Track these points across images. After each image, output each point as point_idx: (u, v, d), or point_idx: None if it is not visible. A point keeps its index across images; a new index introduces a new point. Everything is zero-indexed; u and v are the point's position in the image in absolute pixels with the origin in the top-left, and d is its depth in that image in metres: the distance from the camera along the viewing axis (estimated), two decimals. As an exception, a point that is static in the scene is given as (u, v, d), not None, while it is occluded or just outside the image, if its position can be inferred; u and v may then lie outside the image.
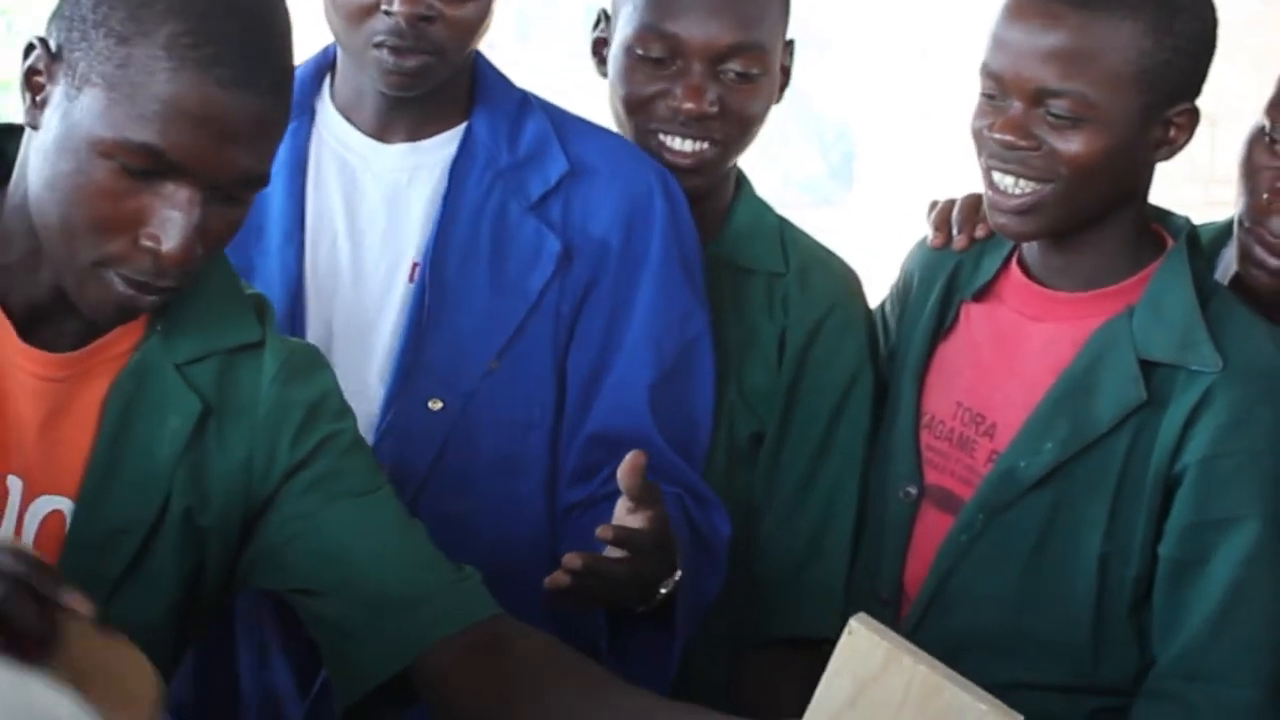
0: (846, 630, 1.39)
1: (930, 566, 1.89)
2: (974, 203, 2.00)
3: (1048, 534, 1.84)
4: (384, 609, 1.57)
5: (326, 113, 1.98)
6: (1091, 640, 1.83)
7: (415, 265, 1.92)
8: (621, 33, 2.02)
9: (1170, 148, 1.84)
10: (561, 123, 1.98)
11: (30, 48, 1.46)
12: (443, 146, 1.95)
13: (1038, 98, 1.78)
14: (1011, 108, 1.80)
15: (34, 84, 1.47)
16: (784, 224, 2.16)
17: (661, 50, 1.98)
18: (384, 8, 1.81)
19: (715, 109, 1.99)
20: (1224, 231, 2.02)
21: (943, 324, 1.96)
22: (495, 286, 1.91)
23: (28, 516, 1.53)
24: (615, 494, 1.73)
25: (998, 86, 1.81)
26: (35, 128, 1.47)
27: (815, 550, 2.03)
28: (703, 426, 1.96)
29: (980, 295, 1.95)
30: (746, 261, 2.09)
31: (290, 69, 1.48)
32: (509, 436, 1.93)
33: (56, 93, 1.45)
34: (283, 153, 1.90)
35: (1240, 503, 1.78)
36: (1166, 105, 1.82)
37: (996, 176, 1.83)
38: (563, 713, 1.53)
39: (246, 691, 1.95)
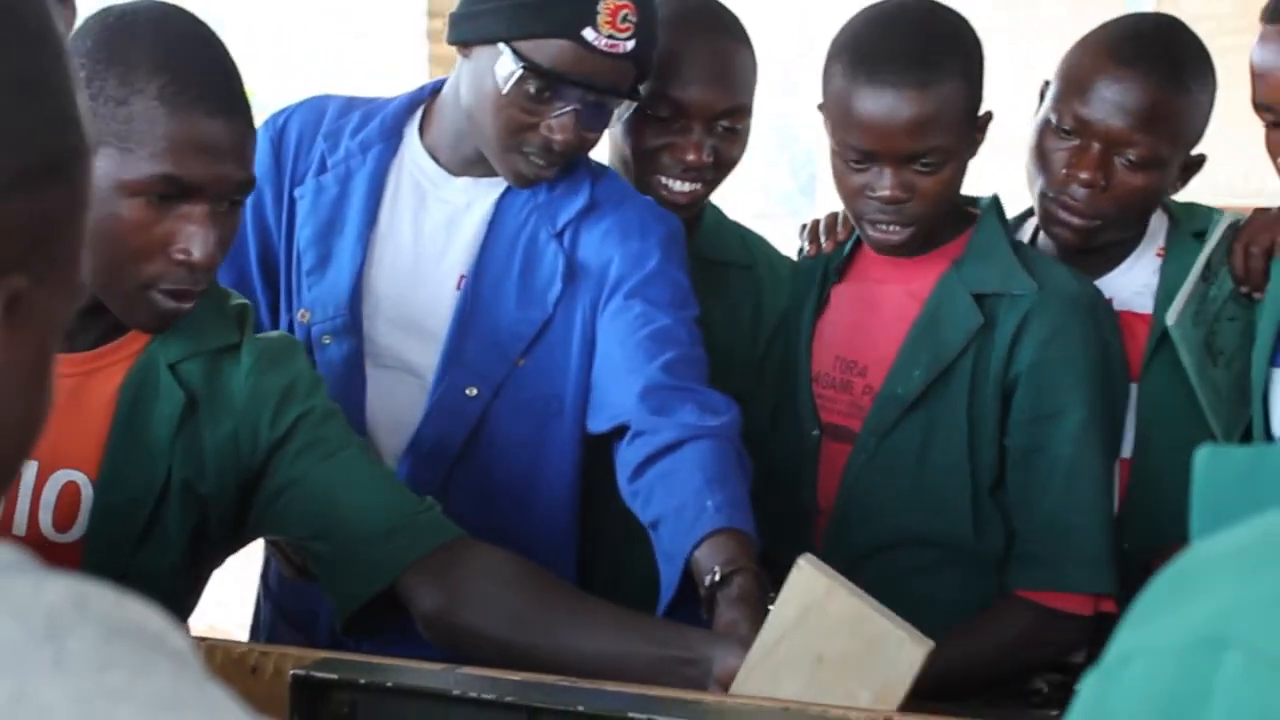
0: (796, 566, 1.42)
1: (838, 485, 1.95)
2: (832, 219, 2.09)
3: (926, 445, 1.89)
4: (365, 542, 1.60)
5: (412, 142, 1.98)
6: (972, 522, 1.89)
7: (463, 277, 1.92)
8: None
9: (976, 147, 1.92)
10: (595, 170, 1.97)
11: None
12: (497, 184, 1.93)
13: (909, 158, 1.84)
14: (885, 173, 1.85)
15: None
16: (737, 225, 2.18)
17: (667, 111, 1.98)
18: (543, 132, 1.82)
19: (711, 159, 2.00)
20: (1015, 222, 2.11)
21: (820, 306, 2.02)
22: (521, 298, 1.91)
23: (46, 487, 1.56)
24: (677, 444, 1.75)
25: (865, 156, 1.85)
26: None
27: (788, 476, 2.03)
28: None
29: (843, 276, 2.02)
30: (716, 255, 2.09)
31: (244, 95, 1.54)
32: (533, 423, 1.92)
33: None
34: (370, 166, 1.95)
35: (1063, 398, 1.85)
36: (976, 123, 1.91)
37: (882, 228, 1.89)
38: (516, 612, 1.57)
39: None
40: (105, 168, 1.46)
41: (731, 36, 2.02)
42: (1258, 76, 1.80)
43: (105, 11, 1.52)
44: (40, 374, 0.71)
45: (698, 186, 2.02)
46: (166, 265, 1.49)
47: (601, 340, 1.91)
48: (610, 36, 1.79)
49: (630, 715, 1.28)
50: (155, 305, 1.51)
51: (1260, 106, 1.80)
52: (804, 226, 2.14)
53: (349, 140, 1.97)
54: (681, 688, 1.45)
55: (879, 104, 1.82)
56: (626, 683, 1.44)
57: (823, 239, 2.07)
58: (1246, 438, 1.93)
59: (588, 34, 1.78)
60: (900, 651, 1.36)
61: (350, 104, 2.02)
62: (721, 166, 2.03)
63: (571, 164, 1.93)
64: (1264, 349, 1.87)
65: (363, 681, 1.36)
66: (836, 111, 1.87)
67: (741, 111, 2.01)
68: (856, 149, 1.85)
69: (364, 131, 1.97)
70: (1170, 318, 1.89)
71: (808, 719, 1.29)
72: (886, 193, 1.84)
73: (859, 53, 1.85)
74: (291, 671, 1.37)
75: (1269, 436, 1.87)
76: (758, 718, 1.28)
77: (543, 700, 1.31)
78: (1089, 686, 0.58)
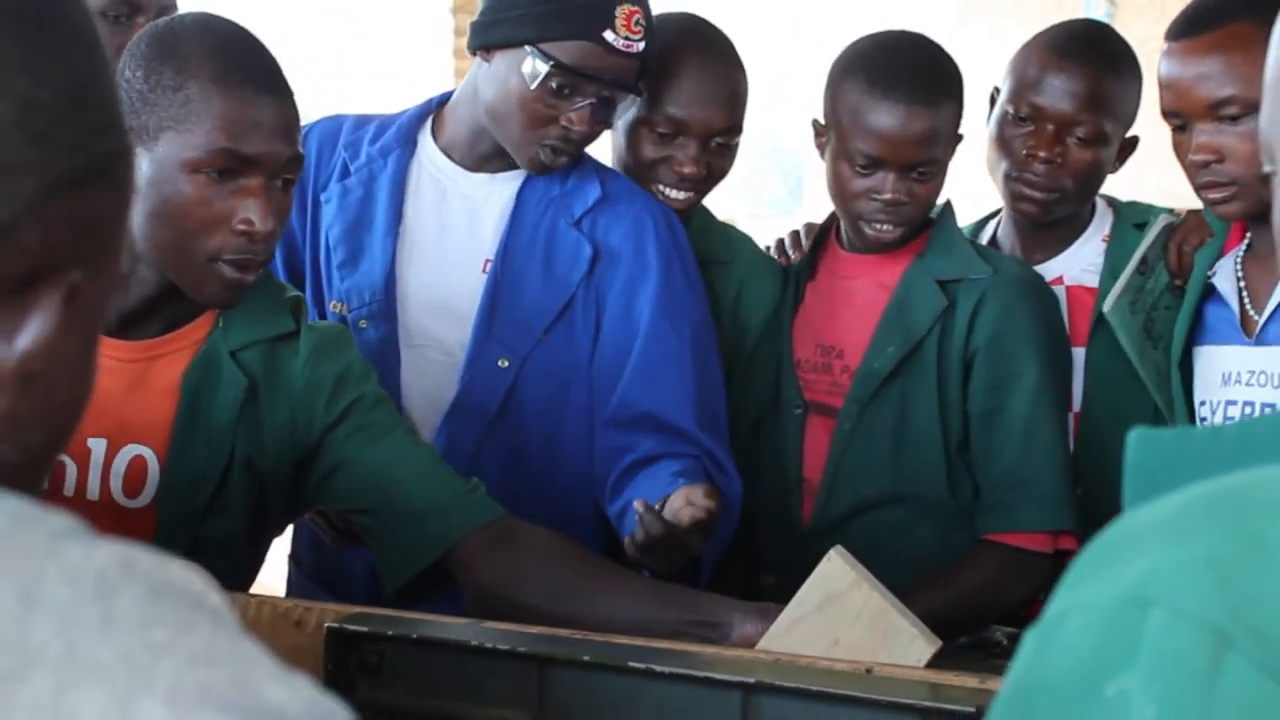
0: (826, 557, 1.43)
1: (826, 455, 1.98)
2: (795, 235, 2.16)
3: (902, 413, 1.95)
4: (414, 519, 1.60)
5: (427, 145, 2.01)
6: (946, 480, 1.94)
7: (488, 261, 1.95)
8: (634, 109, 2.02)
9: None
10: (598, 166, 2.01)
11: None
12: (513, 179, 1.97)
13: (911, 166, 1.91)
14: (889, 179, 1.91)
15: None
16: (723, 225, 2.19)
17: (668, 128, 2.00)
18: (563, 124, 1.86)
19: (705, 172, 2.02)
20: (976, 227, 2.23)
21: (796, 302, 2.07)
22: (545, 280, 1.94)
23: (116, 461, 1.57)
24: (652, 459, 1.82)
25: (873, 161, 1.91)
26: None
27: (777, 454, 2.05)
28: (720, 398, 1.97)
29: (813, 274, 2.07)
30: (701, 254, 2.06)
31: (286, 79, 1.56)
32: (555, 390, 1.94)
33: (137, 152, 1.50)
34: (391, 169, 1.99)
35: (1019, 363, 1.91)
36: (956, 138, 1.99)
37: (879, 227, 1.95)
38: (557, 585, 1.57)
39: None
40: (167, 151, 1.48)
41: (730, 62, 2.04)
42: (1164, 87, 1.86)
43: (154, 23, 1.56)
44: (89, 356, 0.71)
45: (692, 194, 2.04)
46: (229, 237, 1.50)
47: (611, 333, 1.93)
48: (626, 38, 1.83)
49: (630, 664, 1.29)
50: (222, 276, 1.51)
51: (1167, 114, 1.87)
52: (768, 248, 2.20)
53: (369, 147, 2.01)
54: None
55: (893, 117, 1.90)
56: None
57: (790, 252, 2.14)
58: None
59: (608, 35, 1.83)
60: (911, 646, 1.37)
61: (364, 119, 2.07)
62: (713, 178, 2.05)
63: (579, 162, 1.96)
64: (1183, 328, 1.93)
65: (390, 634, 1.37)
66: (849, 123, 1.92)
67: (735, 130, 2.04)
68: (866, 156, 1.91)
69: (382, 140, 2.01)
70: (1106, 305, 1.97)
71: (796, 670, 1.29)
72: (890, 196, 1.91)
73: (874, 73, 1.92)
74: (326, 625, 1.38)
75: (1190, 406, 1.92)
76: (749, 667, 1.28)
77: (551, 650, 1.32)
78: (1030, 640, 0.59)
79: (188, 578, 0.60)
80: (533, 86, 1.84)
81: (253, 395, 1.60)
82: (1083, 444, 2.02)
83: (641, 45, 1.85)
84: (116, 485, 1.57)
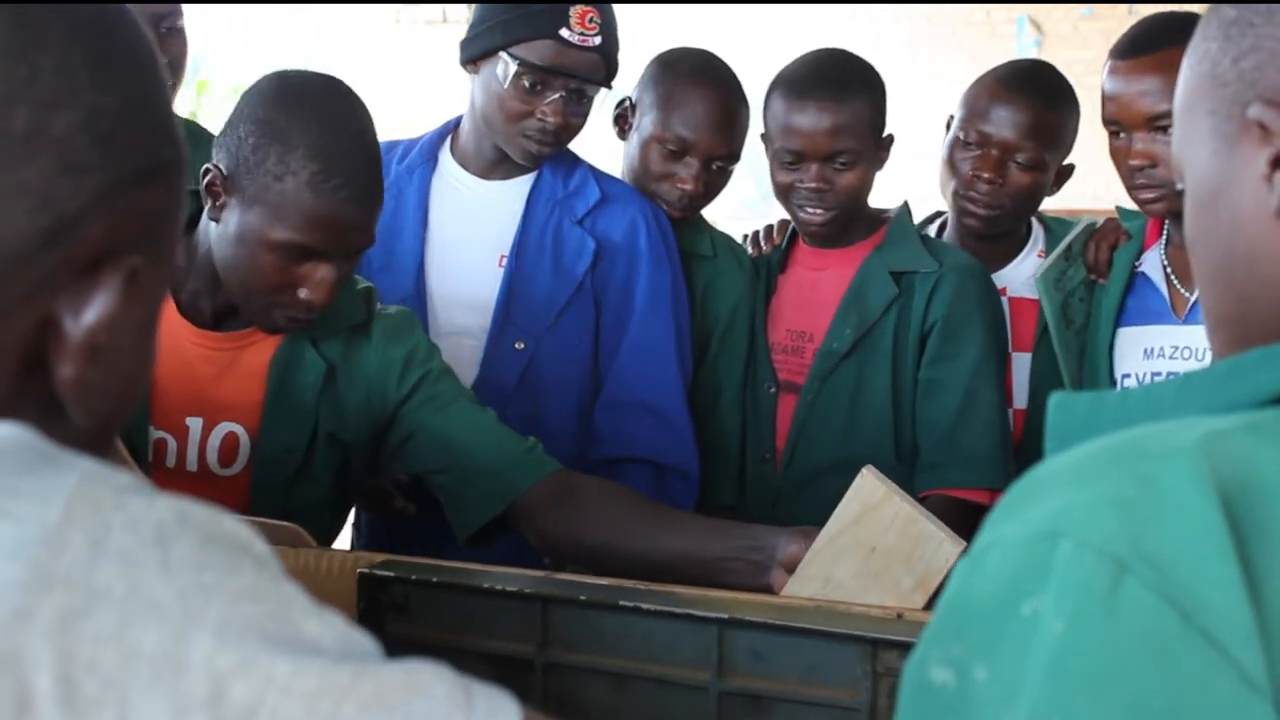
0: (860, 475, 1.40)
1: (790, 421, 1.98)
2: (769, 229, 2.15)
3: (857, 388, 1.94)
4: (482, 475, 1.58)
5: (446, 160, 2.01)
6: (894, 447, 1.92)
7: (503, 257, 1.95)
8: (646, 126, 2.02)
9: (882, 163, 1.96)
10: (595, 172, 2.01)
11: (207, 170, 1.49)
12: (522, 185, 1.98)
13: (829, 157, 1.91)
14: (810, 168, 1.91)
15: (213, 192, 1.50)
16: (709, 225, 2.16)
17: (675, 146, 2.00)
18: (538, 116, 1.87)
19: (703, 190, 2.02)
20: (926, 221, 2.22)
21: (770, 292, 2.06)
22: (554, 273, 1.94)
23: (211, 438, 1.57)
24: (627, 460, 1.85)
25: (795, 156, 1.91)
26: (216, 220, 1.51)
27: (754, 426, 2.04)
28: (688, 378, 1.97)
29: (784, 267, 2.06)
30: (686, 248, 2.06)
31: (380, 176, 1.51)
32: (561, 367, 1.95)
33: (232, 201, 1.48)
34: (416, 183, 2.00)
35: (963, 339, 1.90)
36: (880, 142, 1.94)
37: (808, 211, 1.95)
38: (614, 525, 1.54)
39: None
40: (256, 221, 1.46)
41: (737, 98, 2.03)
42: (1107, 99, 1.88)
43: (282, 82, 1.48)
44: (149, 333, 0.71)
45: (689, 209, 2.04)
46: (291, 300, 1.50)
47: (609, 321, 1.95)
48: (581, 34, 1.85)
49: (621, 602, 1.29)
50: (276, 322, 1.53)
51: (1108, 122, 1.89)
52: (745, 236, 2.19)
53: (397, 166, 2.02)
54: (748, 571, 1.45)
55: (806, 115, 1.90)
56: (701, 569, 1.44)
57: (763, 244, 2.13)
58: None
59: (564, 33, 1.85)
60: (939, 549, 1.34)
61: (392, 144, 2.06)
62: (709, 195, 2.05)
63: (578, 166, 1.98)
64: (1110, 312, 1.94)
65: (414, 578, 1.36)
66: (775, 127, 1.94)
67: (733, 157, 2.03)
68: (790, 151, 1.92)
69: (408, 159, 2.02)
70: (1039, 273, 1.99)
71: (762, 606, 1.27)
72: (812, 183, 1.92)
73: (791, 82, 1.94)
74: (358, 570, 1.38)
75: (1112, 381, 1.93)
76: (723, 605, 1.28)
77: (553, 591, 1.32)
78: (960, 569, 0.59)
79: (236, 528, 0.61)
80: (506, 85, 1.87)
81: (331, 377, 1.59)
82: (1027, 438, 2.02)
83: (598, 40, 1.86)
84: (212, 457, 1.57)
